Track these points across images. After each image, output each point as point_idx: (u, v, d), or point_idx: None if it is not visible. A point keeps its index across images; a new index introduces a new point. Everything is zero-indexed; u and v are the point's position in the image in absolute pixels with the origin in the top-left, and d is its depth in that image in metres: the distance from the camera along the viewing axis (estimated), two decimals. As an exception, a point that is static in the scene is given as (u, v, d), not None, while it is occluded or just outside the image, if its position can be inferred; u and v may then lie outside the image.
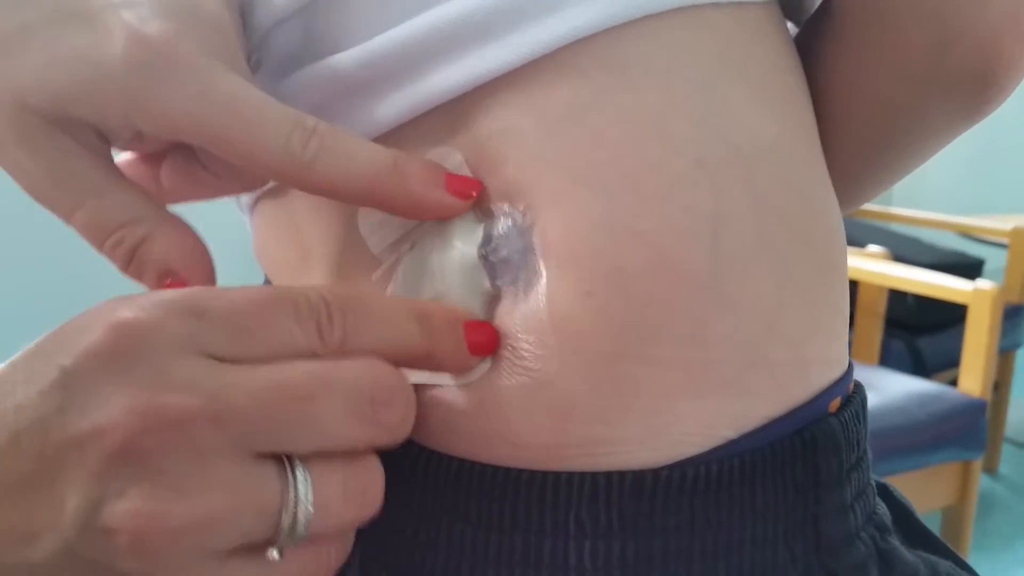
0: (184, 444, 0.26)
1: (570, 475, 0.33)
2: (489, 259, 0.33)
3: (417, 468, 0.34)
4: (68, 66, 0.31)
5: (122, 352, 0.26)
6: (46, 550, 0.26)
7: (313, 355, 0.29)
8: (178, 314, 0.27)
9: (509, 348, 0.33)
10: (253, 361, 0.28)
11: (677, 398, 0.32)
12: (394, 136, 0.35)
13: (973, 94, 0.39)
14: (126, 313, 0.27)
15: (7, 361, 0.27)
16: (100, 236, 0.33)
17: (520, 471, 0.33)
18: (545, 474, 0.33)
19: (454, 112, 0.34)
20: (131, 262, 0.33)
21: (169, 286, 0.33)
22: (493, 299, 0.34)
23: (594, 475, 0.32)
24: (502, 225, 0.33)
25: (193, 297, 0.28)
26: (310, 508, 0.27)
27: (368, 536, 0.34)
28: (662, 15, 0.34)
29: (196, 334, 0.27)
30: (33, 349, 0.27)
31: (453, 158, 0.34)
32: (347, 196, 0.33)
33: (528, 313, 0.33)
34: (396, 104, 0.35)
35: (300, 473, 0.27)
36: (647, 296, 0.32)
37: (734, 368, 0.33)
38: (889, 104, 0.40)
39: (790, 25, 0.43)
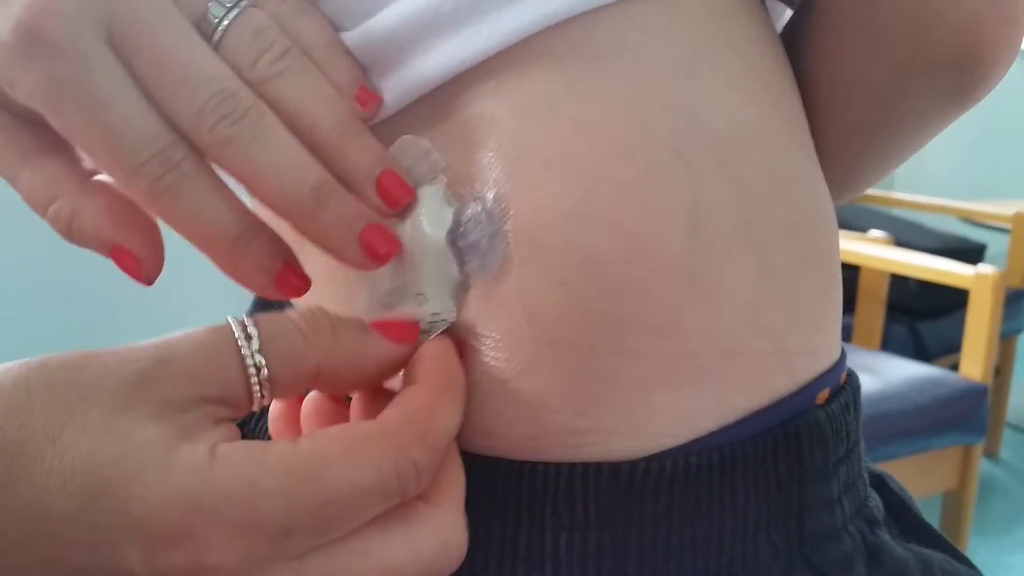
0: None
1: (546, 466, 0.32)
2: (458, 244, 0.33)
3: None
4: None
5: None
6: None
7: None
8: (266, 543, 0.26)
9: (483, 338, 0.33)
10: (330, 544, 0.27)
11: (654, 389, 0.32)
12: (382, 126, 0.34)
13: (958, 79, 0.38)
14: (214, 556, 0.25)
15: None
16: (39, 210, 0.32)
17: (497, 460, 0.33)
18: (522, 464, 0.33)
19: (435, 101, 0.34)
20: (71, 235, 0.32)
21: (113, 254, 0.32)
22: (462, 286, 0.33)
23: (571, 466, 0.32)
24: (471, 209, 0.33)
25: (279, 521, 0.26)
26: None
27: None
28: (635, 0, 0.33)
29: (282, 551, 0.26)
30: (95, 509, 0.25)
31: (419, 145, 0.33)
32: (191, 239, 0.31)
33: (500, 302, 0.32)
34: (379, 93, 0.34)
35: None
36: (622, 286, 0.32)
37: (712, 359, 0.33)
38: (873, 89, 0.39)
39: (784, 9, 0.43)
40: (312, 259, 0.33)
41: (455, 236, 0.33)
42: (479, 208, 0.32)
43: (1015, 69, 0.42)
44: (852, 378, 0.39)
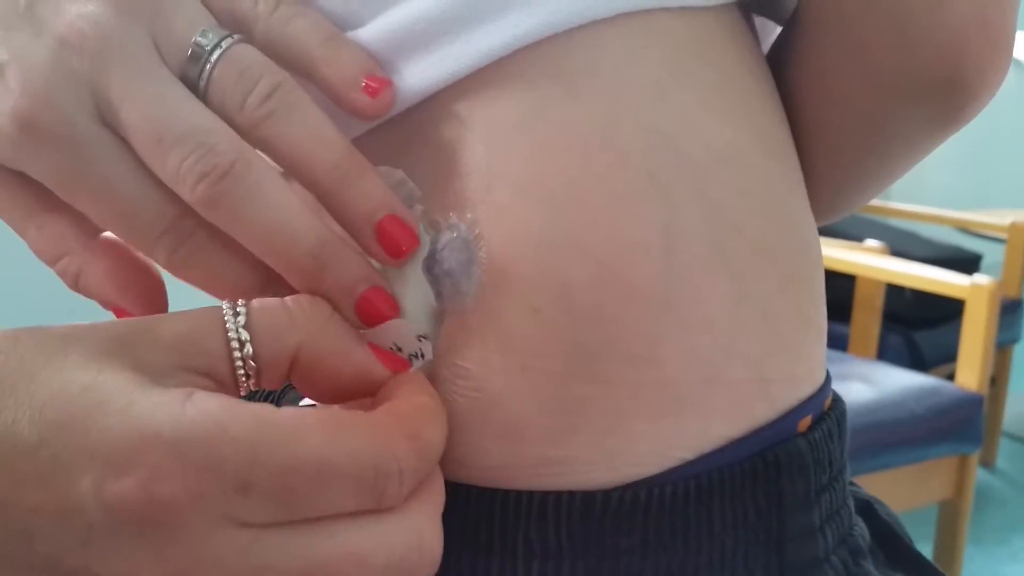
0: None
1: (519, 494, 0.32)
2: (433, 271, 0.32)
3: None
4: None
5: (156, 523, 0.24)
6: None
7: (359, 512, 0.27)
8: (221, 490, 0.25)
9: (456, 367, 0.32)
10: (292, 523, 0.26)
11: (629, 418, 0.32)
12: (356, 146, 0.34)
13: (943, 101, 0.36)
14: (164, 488, 0.24)
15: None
16: (46, 263, 0.33)
17: (469, 488, 0.32)
18: (494, 492, 0.32)
19: (408, 123, 0.33)
20: (77, 290, 0.33)
21: (116, 313, 0.32)
22: (441, 315, 0.32)
23: (543, 494, 0.32)
24: (447, 236, 0.32)
25: (238, 469, 0.25)
26: None
27: None
28: (609, 21, 0.33)
29: (237, 510, 0.25)
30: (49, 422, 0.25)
31: (394, 175, 0.33)
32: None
33: (473, 330, 0.32)
34: (347, 118, 0.34)
35: None
36: (595, 313, 0.31)
37: (688, 387, 0.32)
38: (858, 111, 0.38)
39: (769, 25, 0.42)
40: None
41: (431, 263, 0.32)
42: (454, 235, 0.32)
43: (1011, 79, 0.41)
44: (837, 404, 0.38)
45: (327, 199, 0.31)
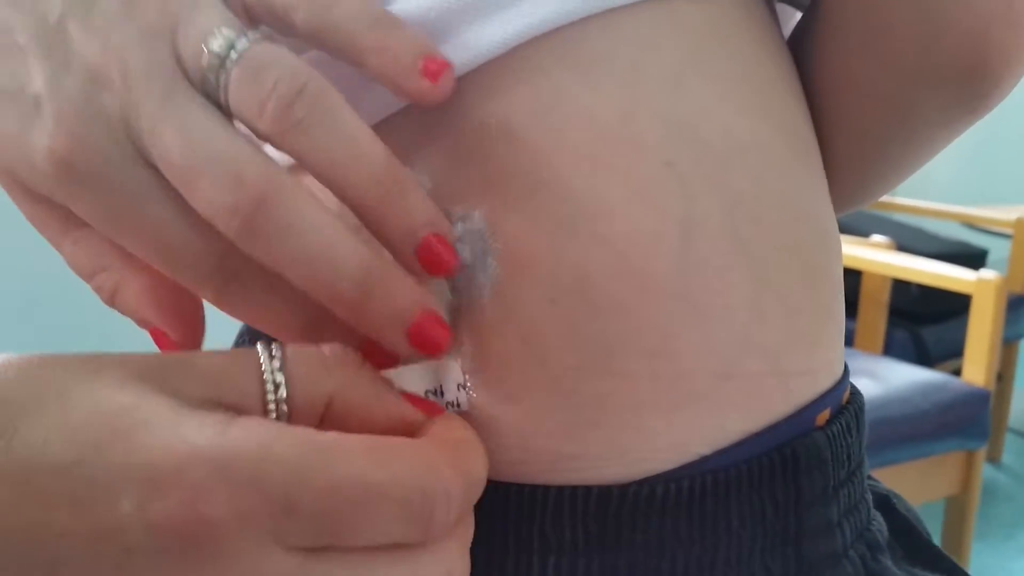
0: None
1: (534, 489, 0.32)
2: None
3: None
4: (4, 144, 0.30)
5: (200, 544, 0.24)
6: None
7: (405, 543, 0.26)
8: (266, 511, 0.24)
9: (473, 361, 0.32)
10: (335, 551, 0.25)
11: (646, 412, 0.31)
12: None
13: (967, 88, 0.36)
14: (209, 508, 0.23)
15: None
16: (83, 277, 0.32)
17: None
18: (508, 487, 0.32)
19: (421, 115, 0.33)
20: (113, 306, 0.32)
21: (153, 333, 0.32)
22: (455, 308, 0.32)
23: (559, 489, 0.31)
24: (460, 228, 0.31)
25: (283, 490, 0.24)
26: None
27: None
28: (627, 8, 0.32)
29: (282, 532, 0.24)
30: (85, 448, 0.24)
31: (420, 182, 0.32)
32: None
33: (490, 322, 0.32)
34: (364, 106, 0.33)
35: None
36: (612, 304, 0.31)
37: (706, 381, 0.32)
38: (881, 98, 0.38)
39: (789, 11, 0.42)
40: None
41: None
42: (468, 226, 0.32)
43: None
44: (856, 397, 0.37)
45: (365, 216, 0.29)
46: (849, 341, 2.18)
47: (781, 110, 0.35)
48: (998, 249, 2.87)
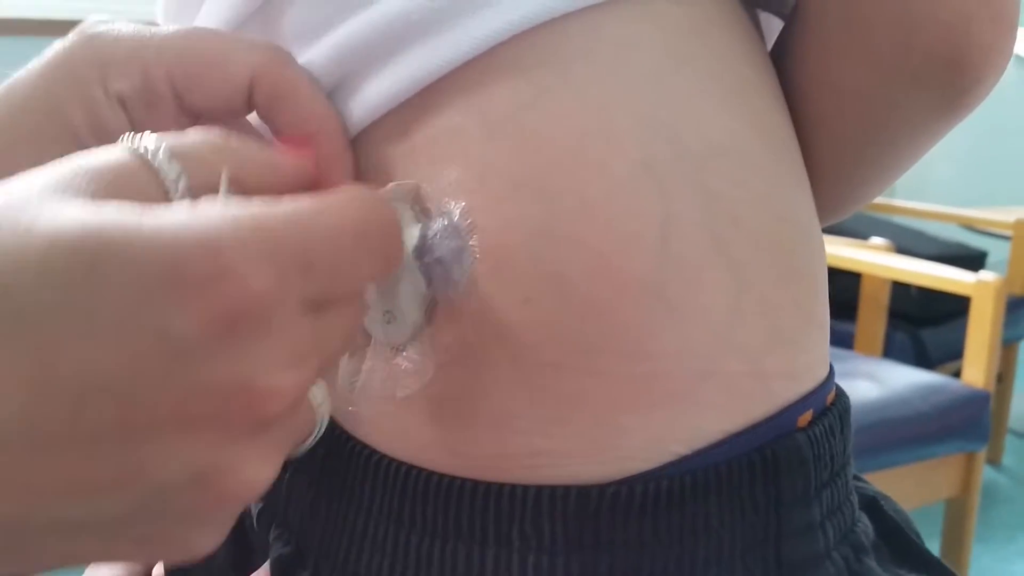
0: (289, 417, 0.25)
1: (513, 487, 0.32)
2: (424, 259, 0.32)
3: (368, 472, 0.34)
4: None
5: (250, 321, 0.22)
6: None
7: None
8: (296, 272, 0.23)
9: (450, 355, 0.32)
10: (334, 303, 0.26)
11: (622, 411, 0.31)
12: (356, 139, 0.34)
13: (947, 85, 0.36)
14: (255, 284, 0.22)
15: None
16: None
17: (463, 480, 0.32)
18: (488, 484, 0.32)
19: (402, 116, 0.33)
20: None
21: (286, 141, 0.31)
22: (431, 303, 0.32)
23: (538, 488, 0.32)
24: (438, 224, 0.32)
25: (303, 248, 0.24)
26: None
27: (321, 538, 0.35)
28: (605, 7, 0.32)
29: (305, 290, 0.24)
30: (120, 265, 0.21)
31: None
32: None
33: (465, 319, 0.32)
34: (350, 108, 0.34)
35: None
36: (588, 304, 0.31)
37: (684, 381, 0.32)
38: (862, 96, 0.38)
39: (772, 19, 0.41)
40: None
41: (421, 252, 0.32)
42: (445, 223, 0.32)
43: (1014, 74, 0.40)
44: (841, 399, 0.37)
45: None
46: (849, 343, 2.18)
47: (760, 111, 0.35)
48: (997, 251, 2.87)
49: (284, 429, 0.25)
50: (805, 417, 0.35)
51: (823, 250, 0.37)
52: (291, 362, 0.24)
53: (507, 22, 0.32)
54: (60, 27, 0.41)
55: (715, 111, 0.33)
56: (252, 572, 0.37)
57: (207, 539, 0.25)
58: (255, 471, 0.24)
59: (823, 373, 0.36)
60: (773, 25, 0.42)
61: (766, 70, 0.37)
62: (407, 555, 0.33)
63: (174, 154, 0.25)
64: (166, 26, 0.34)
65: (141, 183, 0.24)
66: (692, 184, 0.32)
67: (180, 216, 0.22)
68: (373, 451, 0.34)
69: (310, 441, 0.28)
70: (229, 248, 0.22)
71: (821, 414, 0.35)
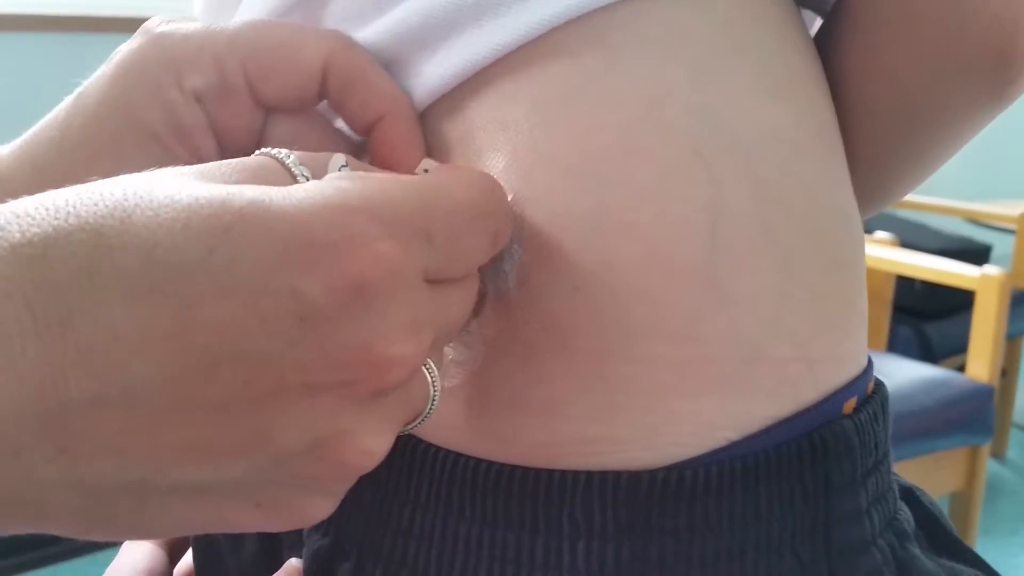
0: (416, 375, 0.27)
1: (563, 474, 0.32)
2: None
3: (415, 461, 0.34)
4: None
5: (375, 287, 0.24)
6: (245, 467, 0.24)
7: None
8: (418, 240, 0.25)
9: (498, 345, 0.32)
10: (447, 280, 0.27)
11: (672, 397, 0.31)
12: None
13: (995, 75, 0.36)
14: (376, 248, 0.24)
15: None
16: None
17: (513, 468, 0.32)
18: (538, 472, 0.32)
19: (451, 104, 0.33)
20: None
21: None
22: (482, 296, 0.32)
23: (588, 474, 0.31)
24: None
25: (425, 220, 0.26)
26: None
27: (364, 529, 0.35)
28: None
29: (424, 263, 0.26)
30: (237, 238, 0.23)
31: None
32: None
33: (514, 308, 0.32)
34: (415, 95, 0.34)
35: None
36: (637, 291, 0.31)
37: (733, 366, 0.32)
38: (908, 88, 0.38)
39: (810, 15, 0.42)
40: None
41: None
42: None
43: None
44: (880, 388, 0.37)
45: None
46: (853, 337, 2.17)
47: (809, 101, 0.35)
48: (1002, 245, 2.87)
49: (401, 400, 0.26)
50: (850, 403, 0.35)
51: (863, 241, 0.37)
52: (411, 331, 0.25)
53: (560, 7, 0.32)
54: (61, 23, 0.41)
55: (764, 101, 0.33)
56: (281, 565, 0.36)
57: (321, 508, 0.26)
58: (372, 441, 0.25)
59: (864, 361, 0.36)
60: (808, 19, 0.42)
61: (813, 60, 0.37)
62: (455, 544, 0.33)
63: (301, 160, 0.28)
64: (231, 21, 0.34)
65: (279, 178, 0.26)
66: (741, 172, 0.32)
67: (311, 187, 0.24)
68: (420, 441, 0.34)
69: (422, 418, 0.29)
70: (357, 214, 0.24)
71: (864, 401, 0.36)
